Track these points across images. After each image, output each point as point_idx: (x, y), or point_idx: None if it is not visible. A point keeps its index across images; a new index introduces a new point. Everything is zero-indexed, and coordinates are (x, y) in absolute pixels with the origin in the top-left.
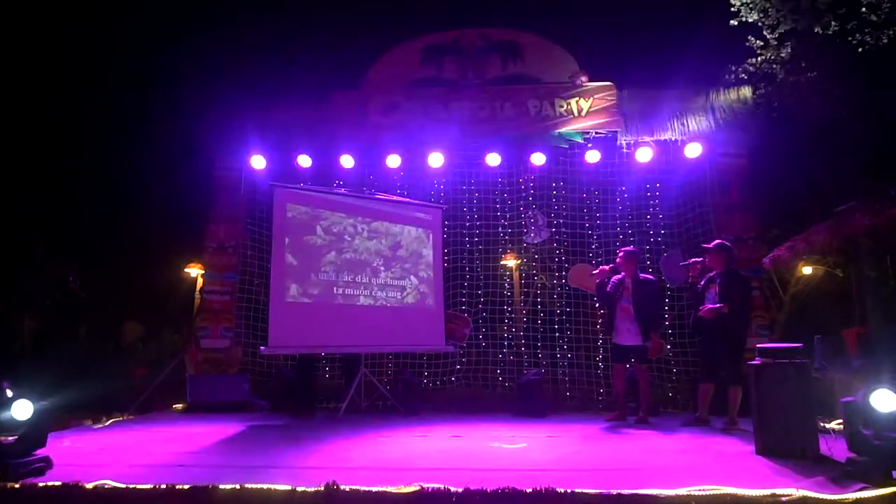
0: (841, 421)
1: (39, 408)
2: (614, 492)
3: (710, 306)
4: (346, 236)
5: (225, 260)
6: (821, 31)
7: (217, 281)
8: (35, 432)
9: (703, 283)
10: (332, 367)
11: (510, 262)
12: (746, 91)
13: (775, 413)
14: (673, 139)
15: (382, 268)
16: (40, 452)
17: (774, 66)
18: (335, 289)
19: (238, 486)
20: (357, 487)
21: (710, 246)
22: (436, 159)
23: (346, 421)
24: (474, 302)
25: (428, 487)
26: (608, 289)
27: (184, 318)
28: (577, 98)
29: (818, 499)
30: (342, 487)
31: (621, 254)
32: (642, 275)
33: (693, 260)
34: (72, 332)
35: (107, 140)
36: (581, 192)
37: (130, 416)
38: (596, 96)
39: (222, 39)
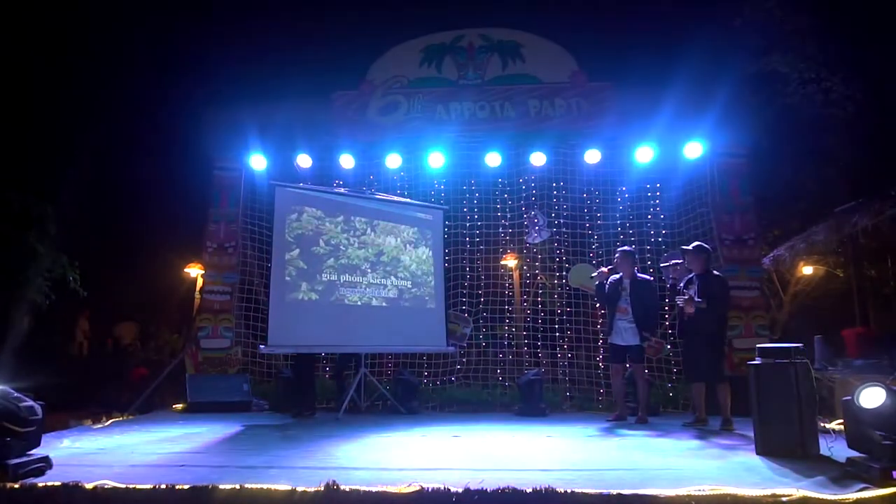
0: (841, 421)
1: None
2: (614, 492)
3: (689, 295)
4: (346, 236)
5: (225, 260)
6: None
7: (217, 281)
8: (37, 432)
9: (682, 284)
10: (332, 368)
11: (510, 262)
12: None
13: (775, 413)
14: (673, 139)
15: (382, 268)
16: (39, 452)
17: (777, 66)
18: (336, 288)
19: (238, 486)
20: (357, 487)
21: (689, 248)
22: (436, 159)
23: (346, 421)
24: (475, 302)
25: (428, 487)
26: (606, 289)
27: (184, 318)
28: (577, 98)
29: (818, 499)
30: (342, 487)
31: (618, 253)
32: (640, 274)
33: (673, 262)
34: (71, 331)
35: (106, 139)
36: (581, 192)
37: (130, 416)
38: (596, 96)
39: (222, 38)
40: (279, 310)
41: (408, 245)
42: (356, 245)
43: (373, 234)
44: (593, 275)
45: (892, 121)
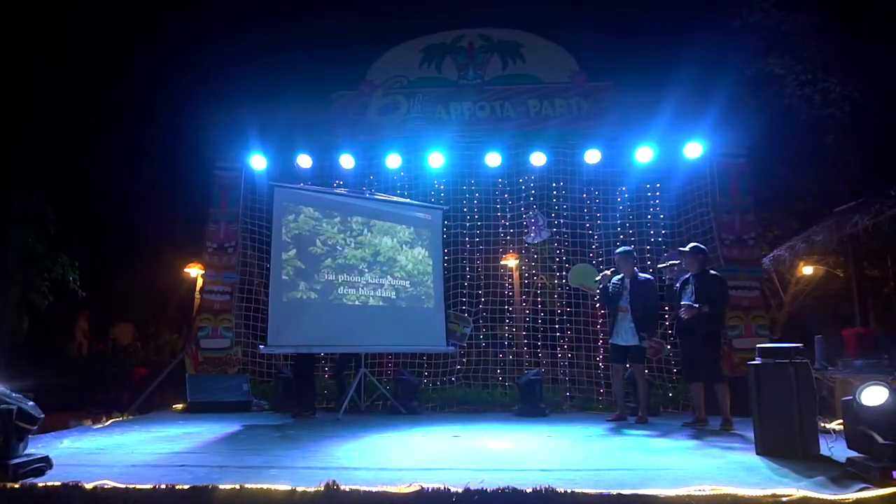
0: (841, 421)
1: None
2: (614, 492)
3: (687, 304)
4: (343, 236)
5: (225, 260)
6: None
7: (217, 281)
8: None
9: (678, 284)
10: (332, 368)
11: (510, 262)
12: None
13: (775, 413)
14: (673, 139)
15: (379, 267)
16: (39, 452)
17: (775, 67)
18: (334, 287)
19: (238, 486)
20: (357, 487)
21: (686, 249)
22: (436, 159)
23: (346, 421)
24: (474, 302)
25: (428, 487)
26: (610, 291)
27: (184, 318)
28: (577, 98)
29: (818, 499)
30: (342, 487)
31: (616, 255)
32: (641, 274)
33: (671, 262)
34: (70, 332)
35: (107, 139)
36: (581, 192)
37: (130, 416)
38: (596, 96)
39: (222, 39)
40: (279, 310)
41: (404, 245)
42: (352, 245)
43: (369, 234)
44: (597, 278)
45: (891, 121)
